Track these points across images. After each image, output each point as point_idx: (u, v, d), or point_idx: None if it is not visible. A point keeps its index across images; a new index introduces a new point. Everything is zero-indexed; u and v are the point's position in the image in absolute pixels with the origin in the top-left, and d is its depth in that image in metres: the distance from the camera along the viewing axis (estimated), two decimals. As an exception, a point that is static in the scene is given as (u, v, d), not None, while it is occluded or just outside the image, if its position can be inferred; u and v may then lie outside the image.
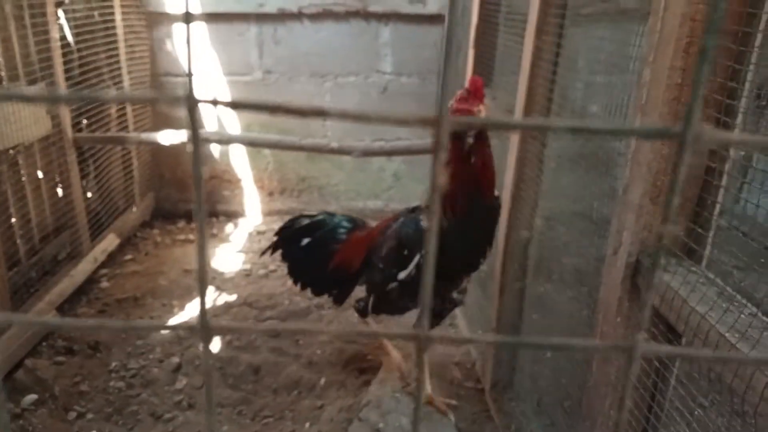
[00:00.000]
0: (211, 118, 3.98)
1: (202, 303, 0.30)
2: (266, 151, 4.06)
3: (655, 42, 1.15)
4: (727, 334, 0.97)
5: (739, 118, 1.10)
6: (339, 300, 2.31)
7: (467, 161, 1.70)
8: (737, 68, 1.08)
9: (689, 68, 1.11)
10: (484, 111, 1.69)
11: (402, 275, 1.91)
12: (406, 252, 1.89)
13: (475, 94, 1.70)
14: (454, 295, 1.94)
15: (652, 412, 1.26)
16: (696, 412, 1.14)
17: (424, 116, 0.25)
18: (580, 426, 1.47)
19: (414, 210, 1.97)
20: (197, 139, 0.28)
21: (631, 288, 1.24)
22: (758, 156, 1.14)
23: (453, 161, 1.72)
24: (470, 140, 1.69)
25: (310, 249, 2.28)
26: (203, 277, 0.31)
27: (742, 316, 1.00)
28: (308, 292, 2.48)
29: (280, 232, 2.44)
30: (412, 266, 1.89)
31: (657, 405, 1.25)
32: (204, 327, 0.29)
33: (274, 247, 2.44)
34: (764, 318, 0.99)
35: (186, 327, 0.31)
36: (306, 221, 2.34)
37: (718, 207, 1.12)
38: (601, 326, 1.35)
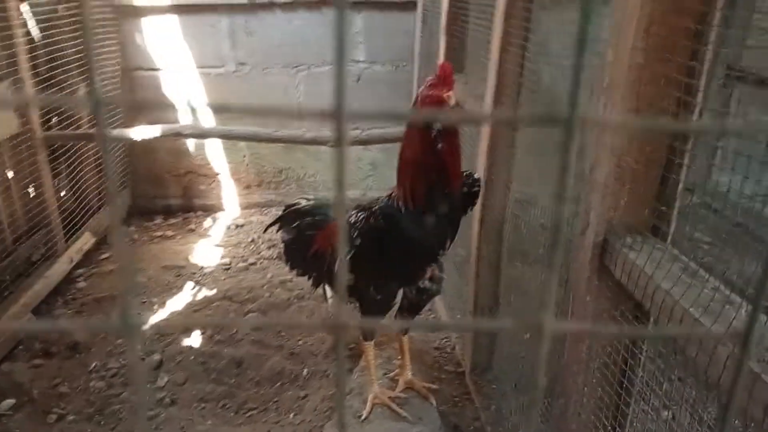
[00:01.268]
0: (185, 112, 3.94)
1: (126, 300, 0.30)
2: (242, 144, 4.03)
3: (616, 23, 1.16)
4: (690, 309, 0.99)
5: (699, 96, 1.11)
6: (314, 284, 2.31)
7: (433, 149, 1.69)
8: (697, 49, 1.10)
9: (650, 49, 1.12)
10: (453, 97, 1.68)
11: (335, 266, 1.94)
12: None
13: (444, 80, 1.69)
14: (426, 284, 1.94)
15: (623, 388, 1.28)
16: (664, 386, 1.17)
17: (323, 109, 0.25)
18: (556, 404, 1.49)
19: (378, 199, 1.94)
20: (104, 140, 0.27)
21: (599, 267, 1.26)
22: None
23: (418, 148, 1.72)
24: (439, 125, 1.68)
25: (299, 232, 2.28)
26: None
27: (705, 291, 1.02)
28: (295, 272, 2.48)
29: (283, 211, 2.42)
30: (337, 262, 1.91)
31: (628, 381, 1.28)
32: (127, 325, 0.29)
33: (276, 224, 2.41)
34: (726, 292, 1.01)
35: (109, 327, 0.31)
36: (304, 203, 2.33)
37: (680, 185, 1.14)
38: (572, 305, 1.37)
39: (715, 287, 1.01)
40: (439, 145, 1.69)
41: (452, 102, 1.66)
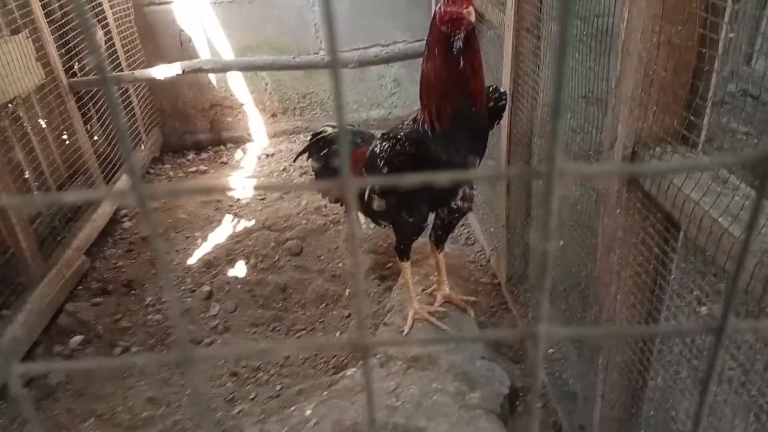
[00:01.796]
0: (203, 46, 3.89)
1: (182, 334, 0.33)
2: (263, 73, 3.99)
3: None
4: (720, 219, 1.00)
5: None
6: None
7: (455, 67, 1.65)
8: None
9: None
10: (473, 12, 1.62)
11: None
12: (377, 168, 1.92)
13: None
14: (459, 203, 1.96)
15: (655, 295, 1.32)
16: (695, 291, 1.20)
17: (335, 183, 0.26)
18: (590, 312, 1.54)
19: (403, 124, 1.93)
20: (108, 84, 0.30)
21: (628, 179, 1.26)
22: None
23: (441, 69, 1.68)
24: (459, 44, 1.64)
25: (327, 159, 2.31)
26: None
27: (736, 198, 1.02)
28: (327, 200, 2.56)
29: (311, 139, 2.45)
30: (367, 190, 1.94)
31: (660, 287, 1.31)
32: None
33: (305, 153, 2.44)
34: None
35: (167, 360, 0.35)
36: (330, 131, 2.34)
37: (711, 92, 1.11)
38: (602, 218, 1.38)
39: (746, 194, 1.01)
40: (461, 64, 1.66)
41: (472, 18, 1.60)
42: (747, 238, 0.29)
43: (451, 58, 1.66)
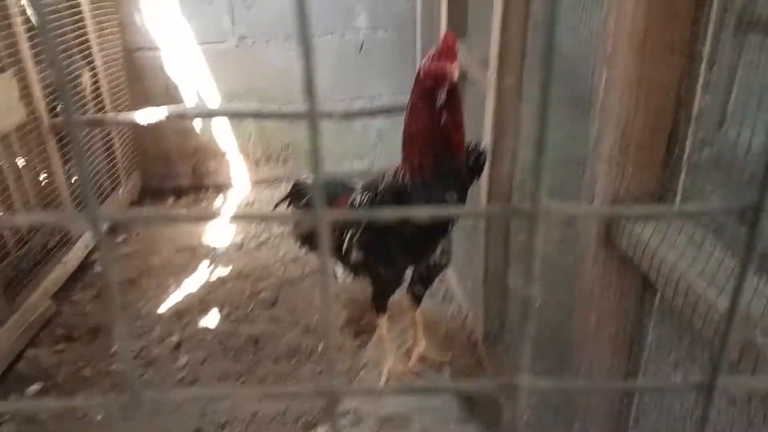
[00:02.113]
0: (190, 92, 3.92)
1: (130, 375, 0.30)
2: (248, 120, 4.01)
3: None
4: (696, 282, 0.99)
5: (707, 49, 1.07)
6: None
7: (437, 121, 1.67)
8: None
9: (652, 15, 1.08)
10: (457, 70, 1.64)
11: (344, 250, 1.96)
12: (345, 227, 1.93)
13: (447, 52, 1.65)
14: (437, 259, 1.94)
15: (632, 355, 1.29)
16: (672, 355, 1.17)
17: (308, 215, 0.25)
18: (566, 374, 1.50)
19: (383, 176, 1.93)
20: (73, 126, 0.27)
21: (605, 239, 1.25)
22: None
23: (423, 121, 1.69)
24: (442, 98, 1.65)
25: (307, 208, 2.29)
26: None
27: (711, 262, 1.01)
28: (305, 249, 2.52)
29: (292, 188, 2.43)
30: (346, 241, 1.92)
31: (637, 347, 1.28)
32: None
33: (286, 200, 2.42)
34: (731, 263, 1.00)
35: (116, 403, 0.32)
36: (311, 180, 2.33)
37: (686, 155, 1.12)
38: (579, 278, 1.37)
39: (720, 259, 1.00)
40: (443, 118, 1.67)
41: (455, 76, 1.62)
42: (740, 280, 0.26)
43: (433, 112, 1.67)
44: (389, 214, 0.25)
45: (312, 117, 0.25)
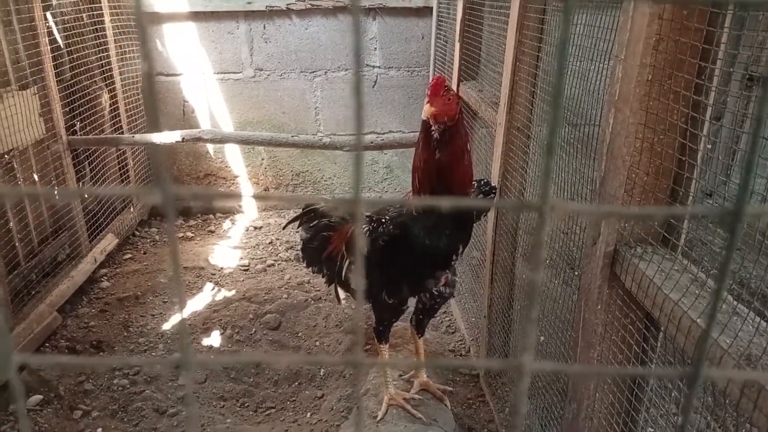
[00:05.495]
0: (205, 117, 4.02)
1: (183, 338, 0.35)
2: (260, 148, 4.10)
3: (625, 40, 1.20)
4: (698, 320, 1.03)
5: (711, 99, 1.13)
6: (328, 282, 2.35)
7: (432, 156, 1.73)
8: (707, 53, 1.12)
9: (658, 65, 1.15)
10: (431, 111, 1.68)
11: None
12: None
13: (432, 94, 1.71)
14: (441, 289, 1.98)
15: (634, 394, 1.32)
16: (673, 394, 1.20)
17: (343, 199, 0.29)
18: (568, 408, 1.53)
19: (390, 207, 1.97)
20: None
21: (610, 276, 1.30)
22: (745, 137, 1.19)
23: (420, 154, 1.76)
24: (436, 135, 1.71)
25: (316, 231, 2.33)
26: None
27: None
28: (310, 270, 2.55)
29: (304, 209, 2.47)
30: (344, 268, 1.97)
31: (639, 387, 1.31)
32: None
33: (296, 221, 2.46)
34: (733, 303, 1.04)
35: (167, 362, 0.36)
36: (322, 205, 2.38)
37: (690, 197, 1.17)
38: (583, 314, 1.40)
39: (723, 299, 1.05)
40: (437, 153, 1.72)
41: (429, 115, 1.67)
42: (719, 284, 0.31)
43: (429, 147, 1.73)
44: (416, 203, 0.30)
45: (358, 148, 0.30)
